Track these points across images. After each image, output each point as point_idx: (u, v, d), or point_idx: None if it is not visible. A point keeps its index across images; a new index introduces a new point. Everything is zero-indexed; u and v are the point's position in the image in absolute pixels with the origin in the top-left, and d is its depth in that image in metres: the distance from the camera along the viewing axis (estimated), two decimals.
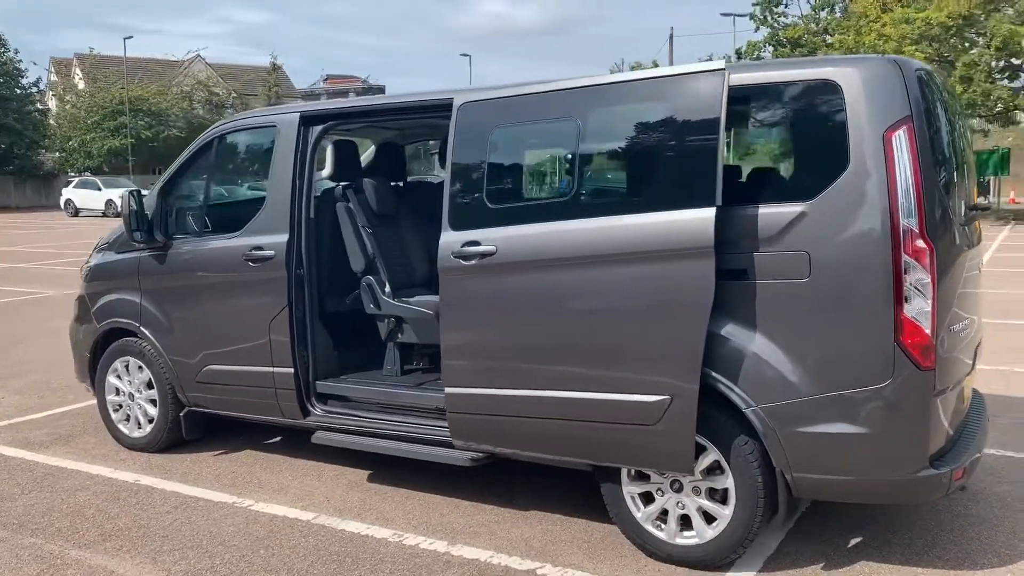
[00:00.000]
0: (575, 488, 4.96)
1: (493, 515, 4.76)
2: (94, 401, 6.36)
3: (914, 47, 22.94)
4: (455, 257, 4.35)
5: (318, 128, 5.11)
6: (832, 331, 3.71)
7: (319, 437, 5.14)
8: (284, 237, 5.09)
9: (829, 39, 37.19)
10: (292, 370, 5.16)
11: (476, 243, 4.28)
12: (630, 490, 4.20)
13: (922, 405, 3.66)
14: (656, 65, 55.45)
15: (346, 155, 5.63)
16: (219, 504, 5.01)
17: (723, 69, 3.71)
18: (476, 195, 4.34)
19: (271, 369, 5.23)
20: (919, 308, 3.59)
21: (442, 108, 4.62)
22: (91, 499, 5.13)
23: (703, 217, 3.67)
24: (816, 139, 3.80)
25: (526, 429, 4.30)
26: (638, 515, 4.18)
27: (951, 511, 4.65)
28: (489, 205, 4.30)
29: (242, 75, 69.34)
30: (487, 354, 4.34)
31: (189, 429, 5.77)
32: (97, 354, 6.11)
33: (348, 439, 5.05)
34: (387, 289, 5.24)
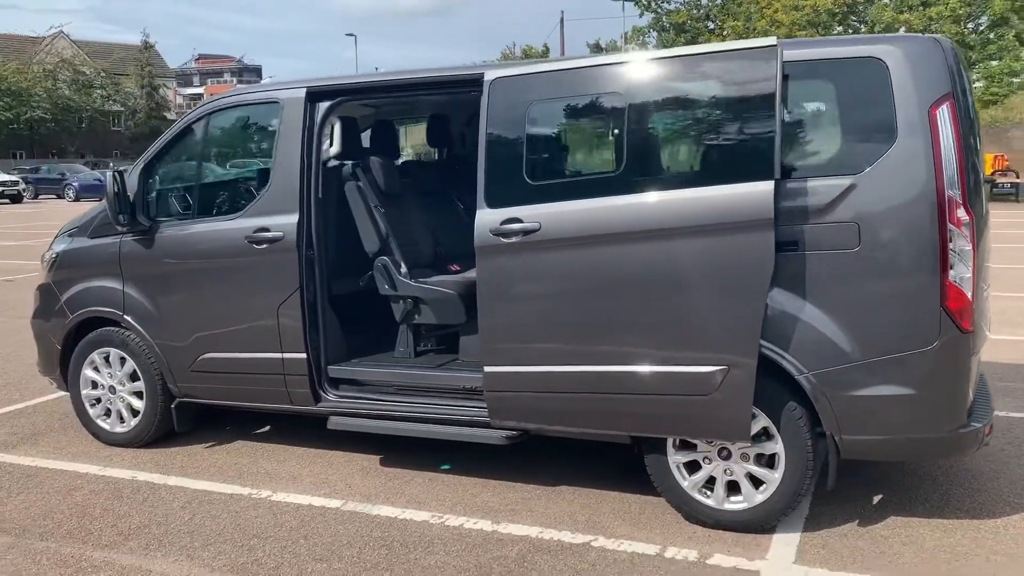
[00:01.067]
0: (595, 462, 5.03)
1: (524, 492, 4.76)
2: (50, 396, 6.00)
3: (803, 33, 23.99)
4: (494, 235, 4.31)
5: (325, 104, 4.94)
6: (881, 298, 3.88)
7: (336, 423, 5.00)
8: (294, 218, 4.90)
9: (711, 25, 38.47)
10: (304, 355, 4.99)
11: (517, 220, 4.25)
12: (676, 459, 4.29)
13: (963, 365, 3.88)
14: (547, 49, 55.94)
15: (352, 133, 5.46)
16: (235, 497, 4.82)
17: (775, 45, 3.80)
18: (515, 172, 4.30)
19: (280, 355, 5.05)
20: (961, 274, 3.80)
21: (468, 84, 4.56)
22: (91, 498, 4.84)
23: (762, 190, 3.76)
24: (863, 114, 3.95)
25: (571, 405, 4.32)
26: (684, 484, 4.27)
27: (950, 467, 4.95)
28: (530, 182, 4.28)
29: (110, 53, 65.89)
30: (531, 332, 4.32)
31: (181, 421, 5.51)
32: (69, 346, 5.73)
33: (367, 423, 4.94)
34: (403, 269, 5.13)
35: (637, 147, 4.12)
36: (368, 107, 5.76)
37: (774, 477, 4.12)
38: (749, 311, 3.84)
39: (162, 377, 5.45)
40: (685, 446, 4.27)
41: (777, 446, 4.09)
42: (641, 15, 44.75)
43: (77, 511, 4.67)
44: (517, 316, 4.34)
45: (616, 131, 4.14)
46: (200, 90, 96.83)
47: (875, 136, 3.87)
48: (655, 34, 44.96)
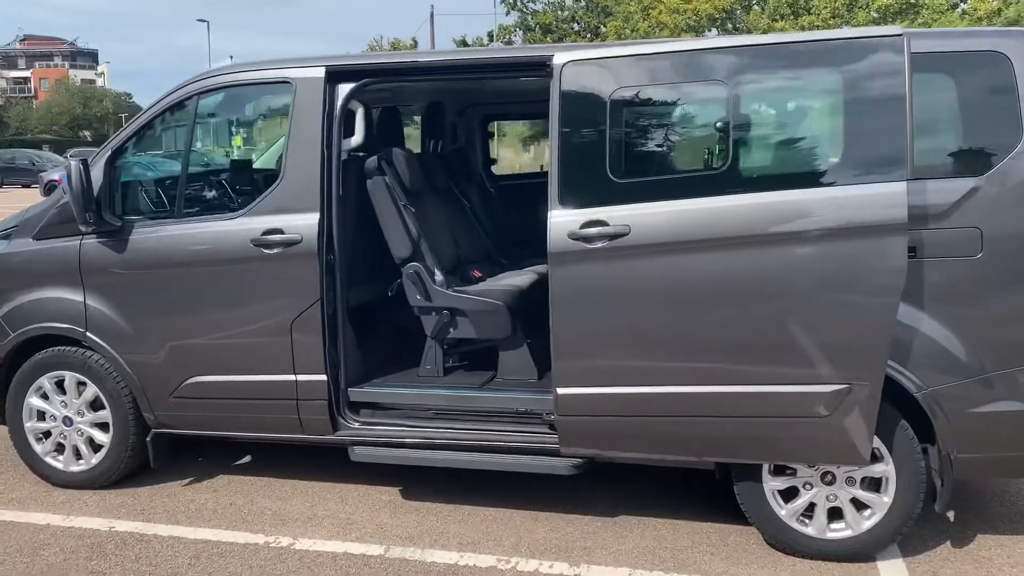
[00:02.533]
0: (647, 489, 4.60)
1: (584, 526, 4.26)
2: None
3: (687, 35, 24.48)
4: (573, 239, 3.79)
5: (347, 87, 4.26)
6: (1003, 308, 3.64)
7: (363, 454, 4.34)
8: (313, 218, 4.21)
9: (577, 27, 38.82)
10: (323, 377, 4.30)
11: (601, 223, 3.75)
12: (772, 486, 3.91)
13: None
14: (416, 43, 54.88)
15: (374, 121, 4.77)
16: (251, 547, 4.08)
17: (901, 34, 3.48)
18: (596, 168, 3.80)
19: (292, 377, 4.33)
20: None
21: (530, 67, 4.03)
22: (67, 559, 3.98)
23: (895, 191, 3.43)
24: (985, 111, 3.70)
25: (658, 430, 3.87)
26: (782, 513, 3.91)
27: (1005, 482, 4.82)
28: (615, 179, 3.78)
29: None
30: (615, 349, 3.83)
31: (157, 455, 4.67)
32: (6, 371, 4.77)
33: (403, 454, 4.30)
34: (438, 277, 4.52)
35: (746, 142, 3.71)
36: (386, 92, 5.08)
37: (883, 501, 3.82)
38: (878, 324, 3.50)
39: (135, 404, 4.60)
40: (782, 471, 3.91)
41: (887, 467, 3.79)
42: (507, 13, 44.64)
43: (56, 574, 3.81)
44: (599, 331, 3.84)
45: (720, 124, 3.70)
46: (27, 73, 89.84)
47: (999, 135, 3.61)
48: (521, 33, 44.97)
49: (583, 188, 3.83)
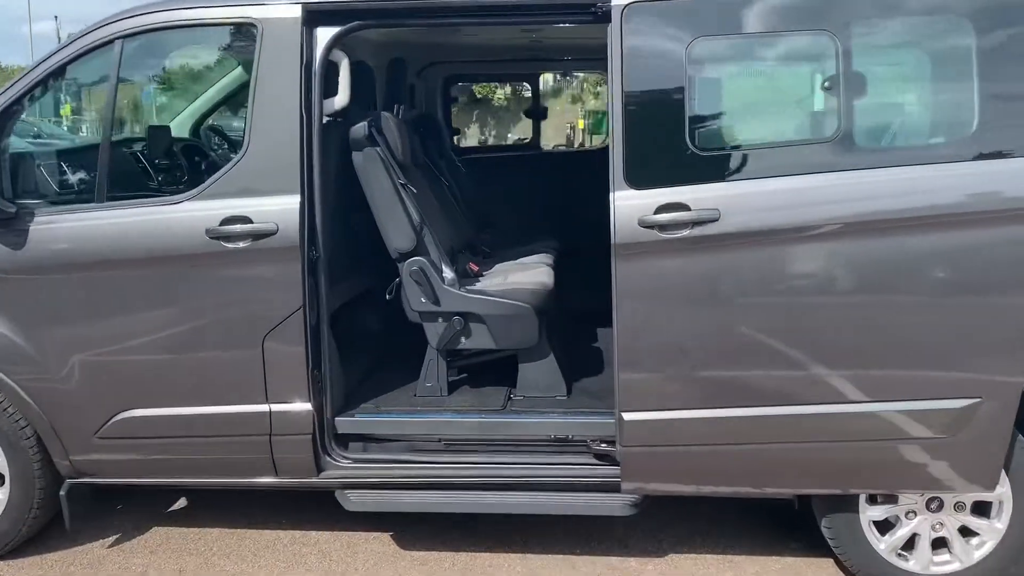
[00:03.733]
0: (691, 516, 3.92)
1: (631, 571, 3.54)
2: None
3: None
4: (645, 227, 3.03)
5: (330, 32, 3.30)
6: None
7: (360, 502, 3.43)
8: (292, 201, 3.24)
9: None
10: (306, 406, 3.36)
11: (681, 206, 3.01)
12: (869, 516, 3.31)
13: None
14: None
15: (361, 77, 3.78)
16: None
17: None
18: (673, 138, 3.04)
19: (265, 407, 3.36)
20: None
21: (574, 10, 3.21)
22: None
23: None
24: None
25: (748, 459, 3.18)
26: (880, 547, 3.31)
27: None
28: (697, 151, 3.04)
29: None
30: (700, 363, 3.10)
31: (75, 514, 3.57)
32: None
33: (413, 500, 3.43)
34: (447, 275, 3.62)
35: (863, 105, 3.01)
36: (370, 42, 4.08)
37: (995, 528, 3.28)
38: (1019, 326, 2.94)
39: (41, 449, 3.50)
40: (880, 499, 3.31)
41: (1003, 489, 3.25)
42: None
43: None
44: (679, 342, 3.09)
45: (828, 83, 3.01)
46: None
47: None
48: None
49: (657, 163, 3.07)
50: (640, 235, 3.03)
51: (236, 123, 4.51)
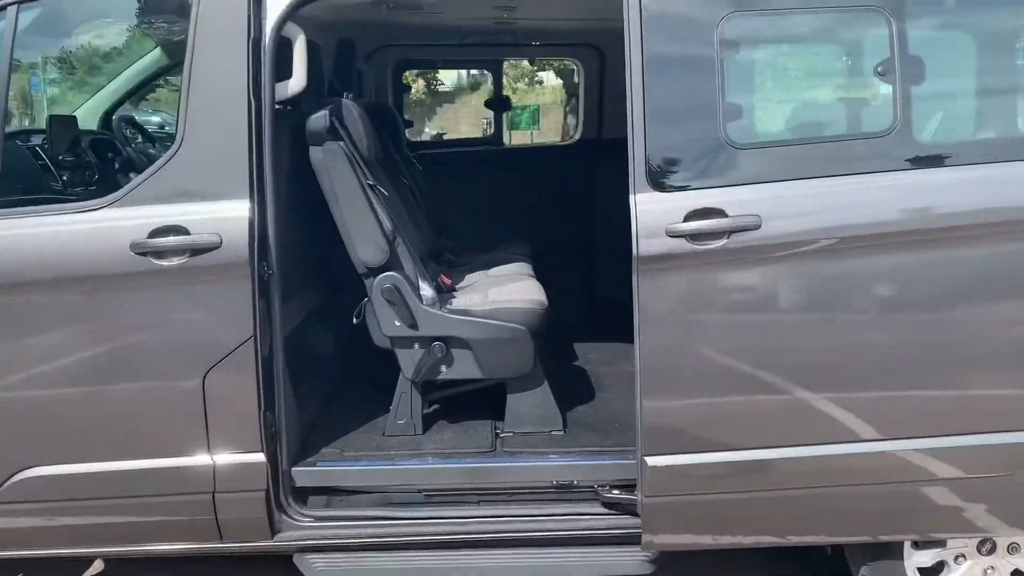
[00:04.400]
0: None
1: None
2: None
3: None
4: (674, 236, 2.55)
5: (282, 3, 2.71)
6: None
7: (327, 569, 2.84)
8: (239, 208, 2.63)
9: None
10: (259, 457, 2.75)
11: (716, 212, 2.54)
12: (915, 562, 2.91)
13: None
14: None
15: (313, 59, 3.16)
16: None
17: None
18: (703, 129, 2.57)
19: (207, 460, 2.74)
20: None
21: None
22: None
23: None
24: None
25: (789, 506, 2.74)
26: None
27: None
28: (734, 147, 2.57)
29: None
30: (738, 396, 2.64)
31: None
32: None
33: (387, 562, 2.86)
34: (427, 292, 3.05)
35: (918, 95, 2.60)
36: (315, 20, 3.46)
37: None
38: None
39: None
40: (928, 543, 2.91)
41: None
42: None
43: None
44: (715, 371, 2.62)
45: (882, 67, 2.58)
46: None
47: None
48: None
49: (685, 161, 2.60)
50: (667, 246, 2.56)
51: (159, 114, 3.82)
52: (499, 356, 3.03)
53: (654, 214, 2.56)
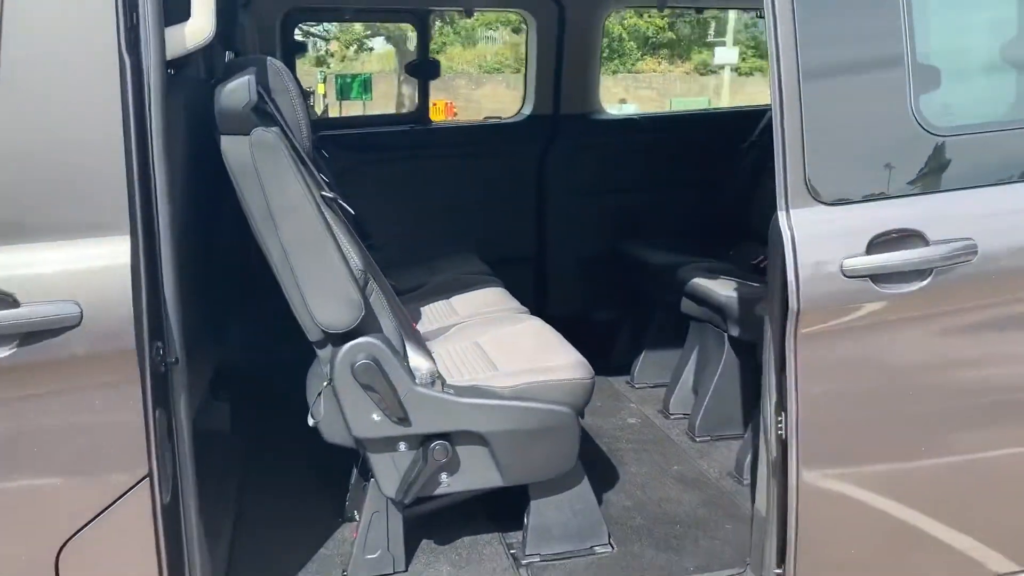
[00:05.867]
0: None
1: None
2: None
3: None
4: (853, 276, 1.61)
5: None
6: None
7: None
8: (111, 249, 1.45)
9: None
10: None
11: (912, 236, 1.63)
12: None
13: None
14: None
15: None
16: None
17: None
18: (884, 109, 1.64)
19: None
20: None
21: None
22: None
23: None
24: None
25: None
26: None
27: None
28: (930, 132, 1.65)
29: None
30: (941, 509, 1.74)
31: None
32: None
33: None
34: (421, 366, 1.92)
35: None
36: None
37: None
38: None
39: None
40: None
41: None
42: None
43: None
44: (914, 476, 1.71)
45: None
46: None
47: None
48: None
49: (863, 154, 1.65)
50: (843, 291, 1.62)
51: None
52: (533, 453, 1.98)
53: (821, 242, 1.61)
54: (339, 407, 1.88)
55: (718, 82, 25.74)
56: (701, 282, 2.93)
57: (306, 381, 2.04)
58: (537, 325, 2.34)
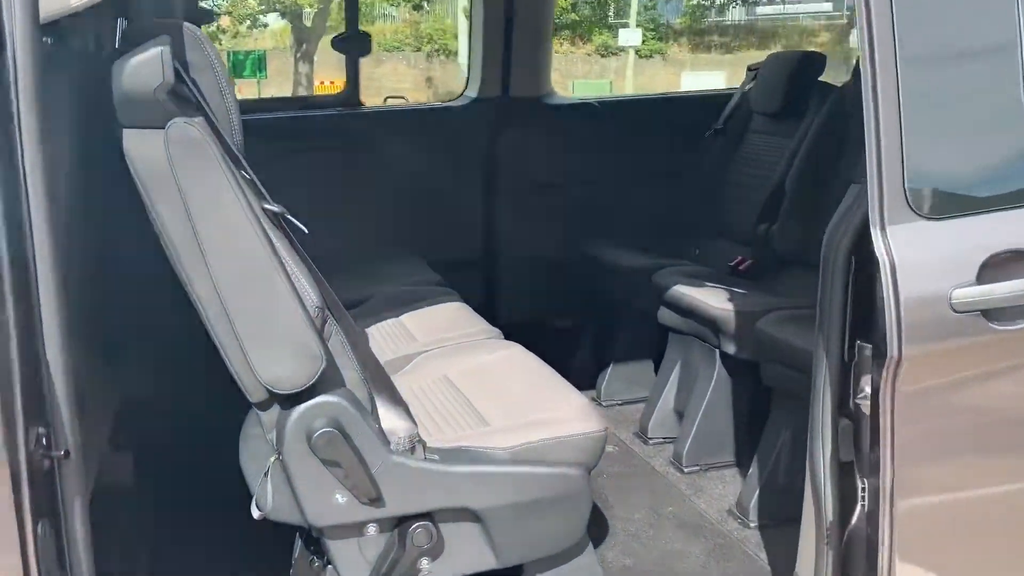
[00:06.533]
0: None
1: None
2: None
3: None
4: (963, 313, 1.27)
5: None
6: None
7: None
8: None
9: None
10: None
11: None
12: None
13: None
14: None
15: None
16: None
17: None
18: (1004, 114, 1.30)
19: None
20: None
21: None
22: None
23: None
24: None
25: None
26: None
27: None
28: None
29: None
30: None
31: None
32: None
33: None
34: (398, 430, 1.48)
35: None
36: None
37: None
38: None
39: None
40: None
41: None
42: None
43: None
44: None
45: None
46: None
47: None
48: None
49: (971, 157, 1.31)
50: (952, 329, 1.27)
51: None
52: (536, 527, 1.58)
53: (926, 268, 1.26)
54: (290, 486, 1.44)
55: (618, 64, 25.69)
56: (685, 291, 2.58)
57: (239, 444, 1.58)
58: (519, 357, 1.94)
